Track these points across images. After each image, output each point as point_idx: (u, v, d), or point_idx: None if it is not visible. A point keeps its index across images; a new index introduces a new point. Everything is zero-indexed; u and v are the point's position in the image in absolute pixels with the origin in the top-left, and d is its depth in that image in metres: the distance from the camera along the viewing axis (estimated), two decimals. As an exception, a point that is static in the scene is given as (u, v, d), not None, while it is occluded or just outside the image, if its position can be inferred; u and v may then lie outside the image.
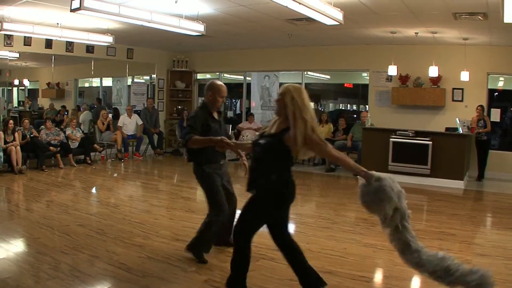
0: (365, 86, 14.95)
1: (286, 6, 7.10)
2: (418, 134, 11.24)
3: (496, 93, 14.04)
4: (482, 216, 8.60)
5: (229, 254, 5.49)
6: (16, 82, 16.70)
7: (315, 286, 4.44)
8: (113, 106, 17.57)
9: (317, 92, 20.67)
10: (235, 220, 4.84)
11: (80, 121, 15.04)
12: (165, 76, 17.14)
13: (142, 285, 4.76)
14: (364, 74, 15.33)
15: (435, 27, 10.64)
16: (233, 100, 21.63)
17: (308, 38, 12.92)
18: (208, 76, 18.30)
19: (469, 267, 3.93)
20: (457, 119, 11.55)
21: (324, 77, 17.73)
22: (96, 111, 15.84)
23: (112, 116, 15.36)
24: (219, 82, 5.58)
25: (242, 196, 4.84)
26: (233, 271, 4.41)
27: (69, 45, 13.87)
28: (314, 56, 14.89)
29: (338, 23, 8.36)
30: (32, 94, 17.55)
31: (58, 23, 10.72)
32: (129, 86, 17.53)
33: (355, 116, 18.71)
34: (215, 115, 5.57)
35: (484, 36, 11.27)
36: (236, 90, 19.19)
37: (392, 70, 12.52)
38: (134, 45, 15.62)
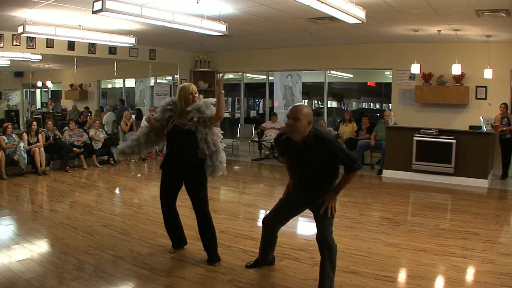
0: (388, 85, 14.88)
1: (309, 5, 7.05)
2: (442, 132, 11.15)
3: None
4: (506, 215, 8.48)
5: (253, 255, 5.49)
6: (39, 84, 16.83)
7: None
8: (136, 107, 17.65)
9: (340, 91, 20.66)
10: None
11: (103, 122, 15.15)
12: (187, 76, 17.16)
13: (166, 285, 4.77)
14: (387, 73, 15.29)
15: (457, 24, 10.55)
16: (256, 100, 21.65)
17: (330, 37, 12.87)
18: (231, 76, 18.33)
19: None
20: (481, 117, 11.42)
21: (347, 76, 17.71)
22: (119, 112, 15.93)
23: (135, 117, 15.43)
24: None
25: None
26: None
27: (92, 46, 13.96)
28: (337, 55, 14.85)
29: (361, 22, 8.31)
30: (55, 95, 17.67)
31: (80, 25, 10.79)
32: (152, 87, 17.60)
33: (378, 115, 18.62)
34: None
35: (507, 33, 11.15)
36: (258, 89, 19.20)
37: (415, 69, 12.44)
38: (157, 46, 15.68)
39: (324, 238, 4.52)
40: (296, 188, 4.80)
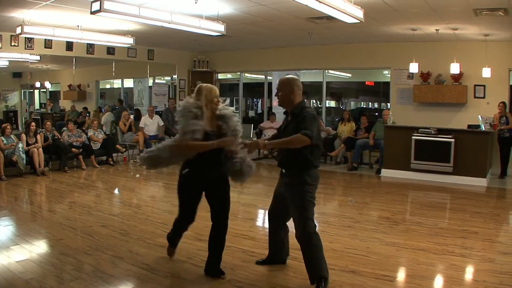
0: (387, 84, 14.90)
1: (307, 5, 7.06)
2: (440, 131, 11.14)
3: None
4: (505, 214, 8.48)
5: (252, 254, 5.50)
6: (38, 84, 16.83)
7: None
8: (134, 107, 17.64)
9: (339, 90, 20.71)
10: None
11: (102, 123, 15.14)
12: (186, 76, 17.16)
13: (165, 285, 4.78)
14: (385, 72, 15.30)
15: (455, 23, 10.56)
16: (255, 100, 21.67)
17: (328, 36, 12.88)
18: (229, 76, 18.34)
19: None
20: (479, 116, 11.44)
21: (345, 75, 17.74)
22: (117, 112, 15.92)
23: (134, 117, 15.43)
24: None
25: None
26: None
27: (90, 47, 13.95)
28: (335, 54, 14.86)
29: (359, 21, 8.32)
30: (54, 96, 17.67)
31: (78, 26, 10.78)
32: (150, 87, 17.61)
33: (376, 114, 18.66)
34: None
35: (505, 32, 11.16)
36: (257, 89, 19.20)
37: (414, 68, 12.46)
38: (155, 46, 15.68)
39: (304, 232, 4.74)
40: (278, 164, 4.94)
